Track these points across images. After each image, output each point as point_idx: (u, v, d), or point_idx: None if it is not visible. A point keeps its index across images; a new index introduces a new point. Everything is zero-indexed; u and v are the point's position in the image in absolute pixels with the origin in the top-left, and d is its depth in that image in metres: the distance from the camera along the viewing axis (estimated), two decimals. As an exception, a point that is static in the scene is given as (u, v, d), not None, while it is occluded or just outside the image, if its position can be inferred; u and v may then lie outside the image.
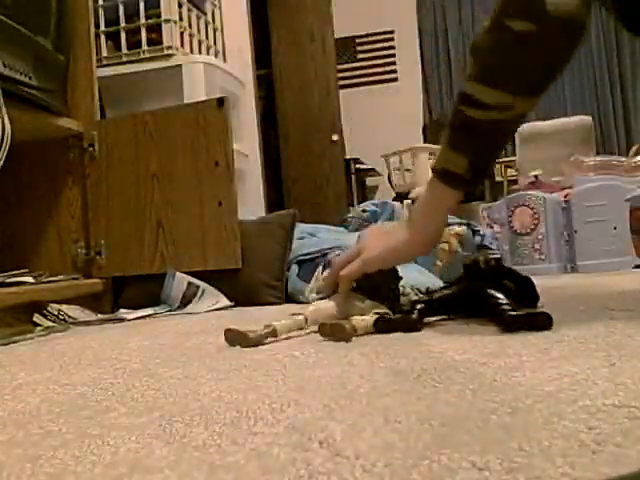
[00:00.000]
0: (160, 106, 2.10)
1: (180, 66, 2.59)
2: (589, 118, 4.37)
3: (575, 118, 4.42)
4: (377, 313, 1.10)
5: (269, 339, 1.08)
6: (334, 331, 1.04)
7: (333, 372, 0.79)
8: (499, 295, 1.09)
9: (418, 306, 1.10)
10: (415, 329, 1.06)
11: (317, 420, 0.58)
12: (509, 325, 1.01)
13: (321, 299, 1.84)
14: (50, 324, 1.67)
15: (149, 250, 1.99)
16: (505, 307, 1.06)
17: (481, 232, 2.31)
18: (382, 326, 1.07)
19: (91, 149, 2.04)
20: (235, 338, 1.07)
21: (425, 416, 0.56)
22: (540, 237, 2.42)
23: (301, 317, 1.14)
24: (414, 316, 1.08)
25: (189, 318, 1.69)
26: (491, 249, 1.27)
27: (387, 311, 1.12)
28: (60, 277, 1.92)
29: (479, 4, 5.73)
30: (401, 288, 1.23)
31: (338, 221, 2.74)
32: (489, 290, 1.11)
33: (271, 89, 5.08)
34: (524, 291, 1.20)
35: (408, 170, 4.15)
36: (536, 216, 2.43)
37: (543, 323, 1.00)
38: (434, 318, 1.16)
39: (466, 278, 1.18)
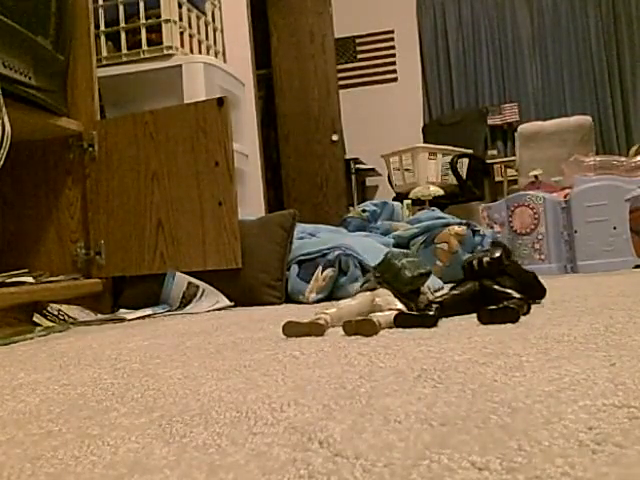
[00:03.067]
0: (160, 106, 2.10)
1: (180, 66, 2.59)
2: (589, 118, 4.37)
3: (575, 118, 4.41)
4: (391, 309, 1.17)
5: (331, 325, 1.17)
6: (359, 327, 1.10)
7: (333, 372, 0.79)
8: (508, 291, 1.19)
9: (434, 306, 1.18)
10: (432, 324, 1.13)
11: (317, 420, 0.58)
12: (482, 318, 1.10)
13: (321, 300, 1.85)
14: (50, 324, 1.67)
15: (149, 250, 1.99)
16: (508, 301, 1.14)
17: (481, 232, 2.31)
18: (402, 321, 1.14)
19: (91, 149, 2.04)
20: (301, 328, 1.13)
21: (425, 416, 0.56)
22: (540, 237, 2.42)
23: (351, 303, 1.23)
24: (432, 312, 1.15)
25: (189, 318, 1.69)
26: (501, 246, 1.34)
27: (402, 307, 1.19)
28: (60, 277, 1.92)
29: (479, 4, 5.73)
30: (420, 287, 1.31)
31: (338, 221, 2.74)
32: (495, 286, 1.21)
33: (271, 89, 5.08)
34: (527, 285, 1.29)
35: (408, 170, 4.15)
36: (536, 216, 2.43)
37: (510, 317, 1.09)
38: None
39: (465, 279, 1.27)
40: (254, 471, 0.46)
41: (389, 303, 1.20)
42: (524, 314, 1.16)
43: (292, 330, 1.14)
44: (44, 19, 1.82)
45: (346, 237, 2.18)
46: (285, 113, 5.05)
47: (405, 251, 1.35)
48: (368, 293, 1.26)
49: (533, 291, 1.31)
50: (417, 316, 1.14)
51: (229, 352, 1.02)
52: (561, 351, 0.80)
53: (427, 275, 1.28)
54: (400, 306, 1.19)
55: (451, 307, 1.21)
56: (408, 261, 1.27)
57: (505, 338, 0.93)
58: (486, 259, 1.26)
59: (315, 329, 1.13)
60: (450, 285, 1.37)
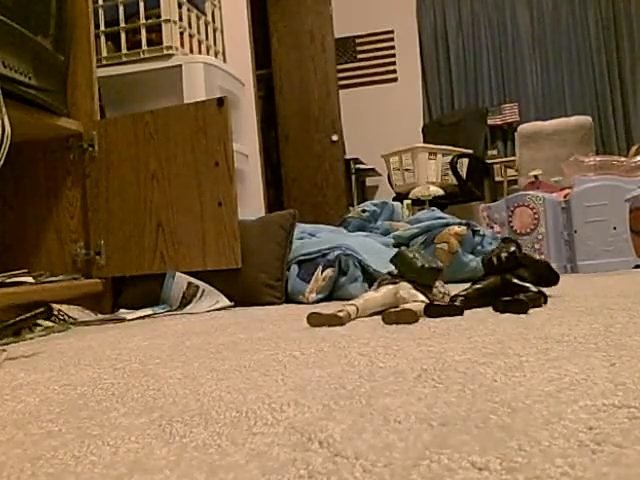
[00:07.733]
0: (160, 106, 2.10)
1: (180, 66, 2.59)
2: (589, 118, 4.37)
3: (575, 118, 4.41)
4: (416, 301, 1.25)
5: (353, 317, 1.25)
6: (400, 317, 1.17)
7: (333, 372, 0.79)
8: (526, 285, 1.29)
9: (460, 299, 1.28)
10: (459, 314, 1.23)
11: (317, 420, 0.58)
12: (496, 308, 1.21)
13: (320, 300, 1.85)
14: (50, 324, 1.67)
15: (149, 250, 1.99)
16: (525, 293, 1.25)
17: (481, 232, 2.31)
18: (432, 311, 1.23)
19: (91, 149, 2.04)
20: (321, 319, 1.21)
21: (425, 416, 0.56)
22: (540, 237, 2.42)
23: (375, 295, 1.31)
24: (458, 303, 1.26)
25: (189, 318, 1.69)
26: (512, 241, 1.44)
27: (425, 299, 1.27)
28: (60, 277, 1.92)
29: (479, 4, 5.73)
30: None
31: (338, 221, 2.74)
32: (515, 280, 1.31)
33: (271, 89, 5.08)
34: (542, 274, 1.39)
35: (408, 170, 4.15)
36: (536, 216, 2.42)
37: (521, 308, 1.18)
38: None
39: (487, 273, 1.37)
40: (254, 471, 0.46)
41: (412, 295, 1.27)
42: (539, 306, 1.26)
43: (314, 320, 1.22)
44: (44, 19, 1.82)
45: (346, 237, 2.18)
46: (285, 113, 5.05)
47: (417, 248, 1.42)
48: (391, 286, 1.32)
49: (548, 278, 1.41)
50: (445, 306, 1.24)
51: (229, 352, 1.02)
52: (561, 351, 0.80)
53: (438, 271, 1.36)
54: (423, 298, 1.27)
55: (475, 299, 1.31)
56: (420, 254, 1.37)
57: (505, 338, 0.93)
58: (504, 254, 1.36)
59: (333, 320, 1.20)
60: (450, 285, 1.40)
